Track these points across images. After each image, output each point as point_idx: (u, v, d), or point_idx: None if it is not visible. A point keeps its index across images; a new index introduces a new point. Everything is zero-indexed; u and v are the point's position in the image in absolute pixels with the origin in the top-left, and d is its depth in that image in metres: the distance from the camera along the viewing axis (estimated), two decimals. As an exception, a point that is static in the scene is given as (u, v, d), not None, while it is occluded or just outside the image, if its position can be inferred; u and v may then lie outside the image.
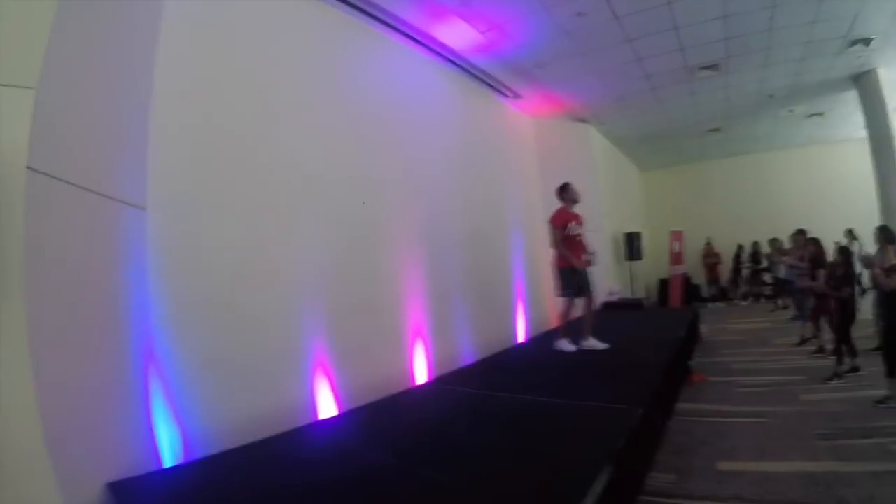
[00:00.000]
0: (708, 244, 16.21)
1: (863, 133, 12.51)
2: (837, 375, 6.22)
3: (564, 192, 6.37)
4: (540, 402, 4.14)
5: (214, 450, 3.46)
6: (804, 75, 9.71)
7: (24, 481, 2.36)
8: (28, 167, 2.41)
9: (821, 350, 7.65)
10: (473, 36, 6.93)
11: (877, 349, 5.94)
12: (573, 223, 6.14)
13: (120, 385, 3.03)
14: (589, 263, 6.16)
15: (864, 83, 9.99)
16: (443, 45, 7.09)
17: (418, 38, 6.69)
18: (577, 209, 6.31)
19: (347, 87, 5.67)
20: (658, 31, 7.44)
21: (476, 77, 8.30)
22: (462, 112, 8.22)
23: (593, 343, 6.04)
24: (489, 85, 8.76)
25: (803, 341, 8.35)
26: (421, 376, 6.02)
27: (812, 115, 12.50)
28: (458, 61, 7.62)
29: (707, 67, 8.94)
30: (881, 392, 5.32)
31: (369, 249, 5.66)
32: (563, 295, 6.11)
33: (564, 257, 6.02)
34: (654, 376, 4.71)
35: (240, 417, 3.79)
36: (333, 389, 4.71)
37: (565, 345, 6.14)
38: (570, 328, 6.20)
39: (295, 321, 4.56)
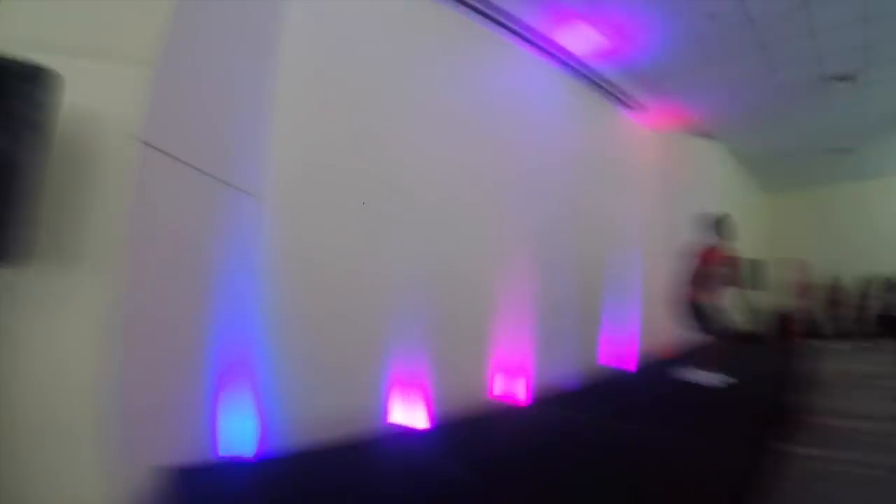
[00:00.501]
0: (835, 283, 14.80)
1: None
2: None
3: (721, 225, 5.74)
4: (650, 435, 3.88)
5: (299, 445, 3.48)
6: None
7: (75, 454, 2.44)
8: (143, 141, 2.48)
9: None
10: (598, 41, 6.80)
11: None
12: (727, 266, 5.55)
13: (201, 372, 3.05)
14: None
15: None
16: (566, 52, 6.97)
17: (541, 43, 6.60)
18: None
19: (466, 92, 5.65)
20: (793, 37, 7.02)
21: (598, 86, 8.07)
22: (582, 121, 7.97)
23: (720, 377, 5.56)
24: (612, 95, 8.49)
25: None
26: (521, 396, 5.75)
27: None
28: (581, 69, 7.44)
29: (842, 78, 8.41)
30: None
31: (476, 257, 5.55)
32: (707, 331, 5.61)
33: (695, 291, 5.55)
34: (776, 413, 4.39)
35: (327, 415, 3.80)
36: (427, 401, 4.61)
37: (701, 376, 5.59)
38: (707, 358, 5.69)
39: (390, 329, 4.49)
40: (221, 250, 3.19)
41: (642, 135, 10.15)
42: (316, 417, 3.73)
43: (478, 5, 5.66)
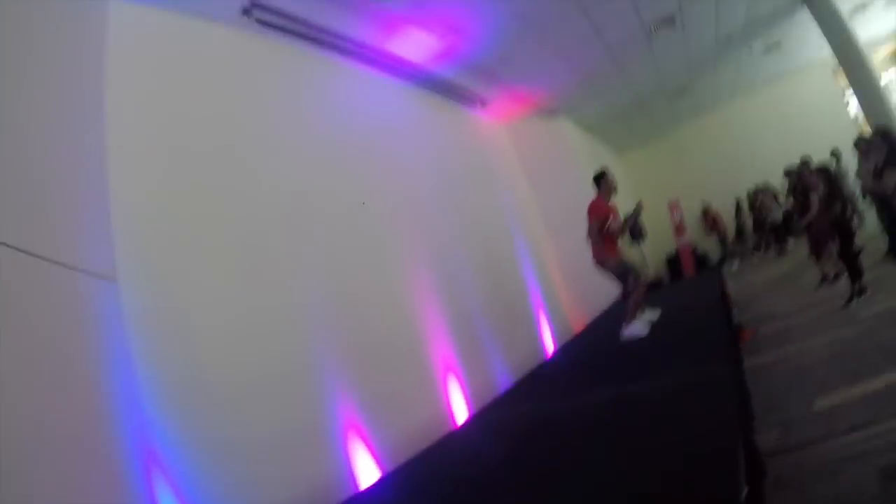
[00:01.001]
0: (706, 209, 16.02)
1: (821, 54, 12.91)
2: (858, 293, 5.93)
3: (602, 180, 5.85)
4: (622, 395, 3.68)
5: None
6: (754, 4, 9.59)
7: None
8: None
9: (824, 279, 7.43)
10: (431, 43, 6.67)
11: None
12: (612, 219, 5.62)
13: (117, 485, 2.47)
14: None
15: None
16: (402, 61, 6.80)
17: (375, 56, 6.38)
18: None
19: (319, 124, 5.31)
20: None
21: (442, 90, 8.03)
22: (436, 130, 7.93)
23: (648, 315, 5.62)
24: (456, 97, 8.50)
25: (825, 279, 7.74)
26: (461, 415, 5.44)
27: (769, 48, 12.45)
28: (420, 76, 7.33)
29: (663, 23, 8.79)
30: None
31: (380, 286, 5.19)
32: (630, 279, 5.56)
33: (603, 249, 5.58)
34: (724, 332, 4.38)
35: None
36: (371, 450, 4.11)
37: (636, 329, 5.46)
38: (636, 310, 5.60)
39: (310, 379, 4.02)
40: (95, 346, 2.63)
41: (494, 130, 10.35)
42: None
43: (307, 32, 5.32)
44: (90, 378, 2.49)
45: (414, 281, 5.78)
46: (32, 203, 2.37)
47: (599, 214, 5.62)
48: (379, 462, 4.11)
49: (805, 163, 7.85)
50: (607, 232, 5.62)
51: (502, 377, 6.35)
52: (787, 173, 8.26)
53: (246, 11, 4.57)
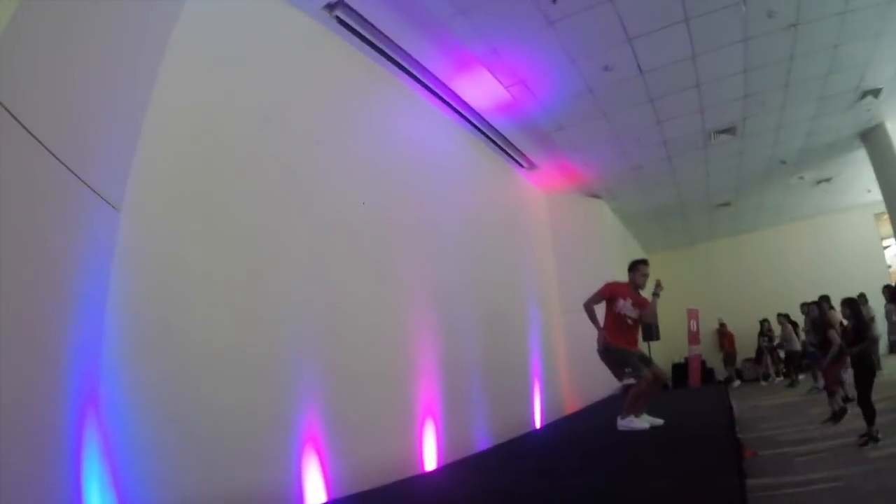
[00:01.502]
0: (721, 325, 15.57)
1: (867, 198, 13.24)
2: (873, 438, 5.60)
3: (634, 269, 5.59)
4: (612, 485, 3.33)
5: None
6: (815, 136, 9.71)
7: None
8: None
9: (833, 415, 7.10)
10: (497, 91, 6.70)
11: None
12: (625, 301, 5.33)
13: (46, 428, 2.16)
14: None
15: (873, 138, 9.99)
16: (464, 103, 6.84)
17: (440, 91, 6.42)
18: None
19: (365, 134, 5.29)
20: (680, 89, 7.32)
21: (494, 142, 8.03)
22: (478, 178, 7.89)
23: (649, 419, 5.22)
24: (506, 153, 8.49)
25: (834, 415, 7.35)
26: (430, 461, 5.15)
27: (820, 181, 12.49)
28: (477, 122, 7.34)
29: (723, 131, 8.86)
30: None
31: (378, 313, 4.98)
32: (627, 374, 5.20)
33: (609, 334, 5.27)
34: (730, 443, 4.13)
35: (205, 497, 2.97)
36: (325, 471, 3.81)
37: (635, 423, 5.13)
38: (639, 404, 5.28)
39: (280, 376, 3.76)
40: (73, 264, 2.42)
41: (535, 196, 10.35)
42: (199, 498, 2.94)
43: (380, 45, 5.35)
44: (58, 288, 2.29)
45: (415, 317, 5.58)
46: (59, 97, 2.24)
47: (612, 292, 5.39)
48: (330, 485, 3.82)
49: (825, 298, 7.65)
50: (618, 317, 5.34)
51: (482, 436, 6.07)
52: (805, 306, 8.08)
53: (330, 6, 4.62)
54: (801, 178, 11.99)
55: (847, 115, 9.05)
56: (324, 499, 3.73)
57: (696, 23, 5.91)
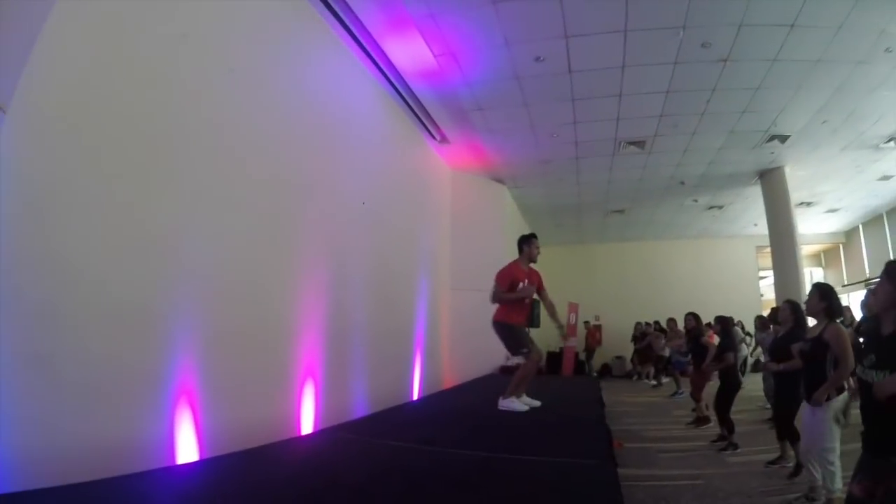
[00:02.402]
0: (595, 321, 16.51)
1: (752, 230, 14.30)
2: (732, 445, 6.09)
3: (526, 243, 5.63)
4: (494, 460, 3.37)
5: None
6: (718, 165, 10.41)
7: None
8: None
9: (697, 420, 7.70)
10: (425, 57, 6.56)
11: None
12: (524, 283, 5.39)
13: None
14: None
15: (771, 179, 10.89)
16: (388, 62, 6.63)
17: (366, 44, 6.13)
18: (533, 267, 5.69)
19: (282, 72, 4.95)
20: (603, 95, 7.55)
21: (410, 108, 7.88)
22: (389, 140, 7.70)
23: (528, 401, 5.35)
24: (420, 121, 8.38)
25: (698, 420, 7.93)
26: (307, 424, 5.00)
27: (712, 207, 13.49)
28: (398, 84, 7.13)
29: (634, 143, 9.22)
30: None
31: (267, 264, 4.66)
32: (521, 353, 5.33)
33: (510, 312, 5.36)
34: (603, 432, 4.29)
35: (71, 445, 2.71)
36: (198, 428, 3.58)
37: (516, 404, 5.22)
38: (522, 385, 5.38)
39: (159, 329, 3.43)
40: None
41: (441, 169, 10.35)
42: (57, 448, 2.64)
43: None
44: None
45: (306, 274, 5.32)
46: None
47: (511, 279, 5.41)
48: (203, 444, 3.59)
49: (694, 314, 8.15)
50: (517, 293, 5.40)
51: (361, 401, 6.01)
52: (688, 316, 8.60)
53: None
54: (696, 200, 12.83)
55: (752, 152, 9.75)
56: (196, 457, 3.50)
57: (634, 36, 6.12)
